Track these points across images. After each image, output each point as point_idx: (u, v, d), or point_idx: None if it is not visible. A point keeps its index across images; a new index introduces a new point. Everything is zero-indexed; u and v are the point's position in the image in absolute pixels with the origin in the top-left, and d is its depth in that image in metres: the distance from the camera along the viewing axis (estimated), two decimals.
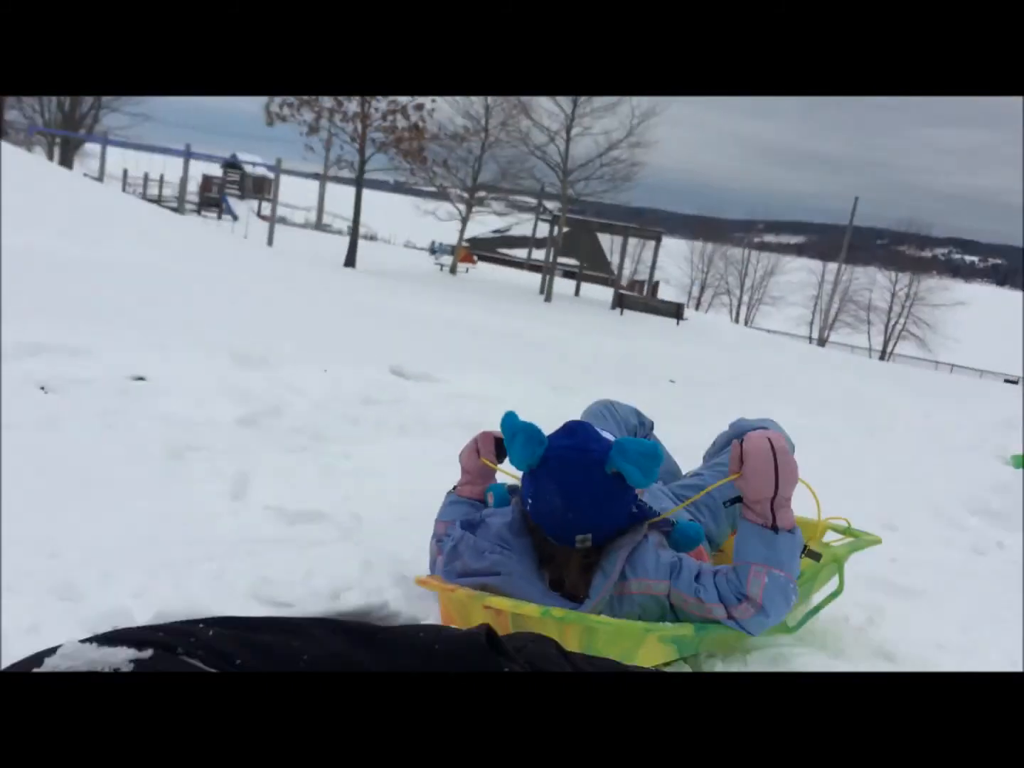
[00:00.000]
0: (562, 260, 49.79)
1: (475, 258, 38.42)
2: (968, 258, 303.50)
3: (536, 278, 28.32)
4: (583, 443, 2.03)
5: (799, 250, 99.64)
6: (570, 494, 1.99)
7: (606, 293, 26.98)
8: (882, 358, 46.84)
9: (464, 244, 28.80)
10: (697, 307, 59.03)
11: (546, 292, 22.06)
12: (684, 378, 10.23)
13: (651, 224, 73.85)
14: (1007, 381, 38.49)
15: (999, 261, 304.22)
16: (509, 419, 2.10)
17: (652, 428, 2.90)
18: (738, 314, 59.21)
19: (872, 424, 8.18)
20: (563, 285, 28.30)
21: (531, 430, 2.05)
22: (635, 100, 21.41)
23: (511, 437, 2.06)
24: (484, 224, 32.97)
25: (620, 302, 23.70)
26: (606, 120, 22.01)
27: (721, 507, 2.47)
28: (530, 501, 2.05)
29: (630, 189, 23.53)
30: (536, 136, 22.12)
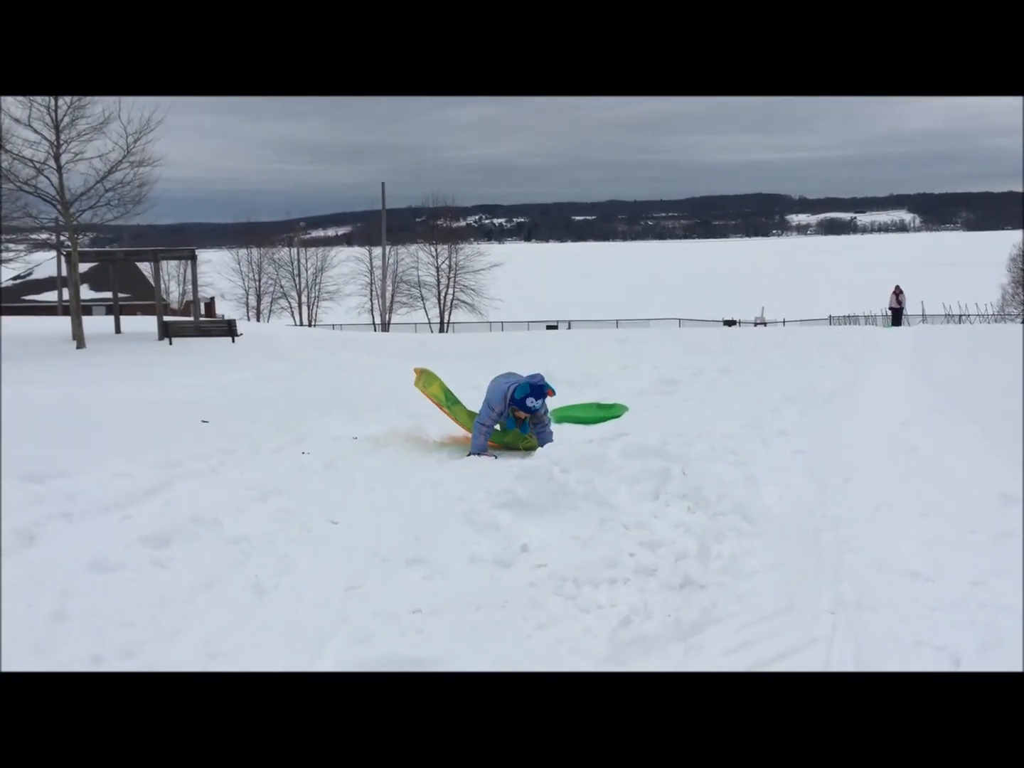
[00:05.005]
0: (98, 296, 45.73)
1: None
2: (496, 221, 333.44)
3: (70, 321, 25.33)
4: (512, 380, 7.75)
5: (348, 240, 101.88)
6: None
7: (154, 323, 24.95)
8: (442, 330, 49.54)
9: None
10: (258, 317, 57.71)
11: (77, 337, 19.79)
12: (229, 410, 9.58)
13: (196, 239, 70.89)
14: (549, 328, 42.77)
15: (523, 219, 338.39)
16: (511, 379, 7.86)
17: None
18: (301, 315, 58.96)
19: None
20: (104, 323, 25.76)
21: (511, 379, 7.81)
22: (125, 117, 19.79)
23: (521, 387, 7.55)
24: None
25: (166, 331, 22.10)
26: (98, 143, 20.10)
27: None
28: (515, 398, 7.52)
29: (144, 211, 21.79)
30: (20, 170, 19.52)
